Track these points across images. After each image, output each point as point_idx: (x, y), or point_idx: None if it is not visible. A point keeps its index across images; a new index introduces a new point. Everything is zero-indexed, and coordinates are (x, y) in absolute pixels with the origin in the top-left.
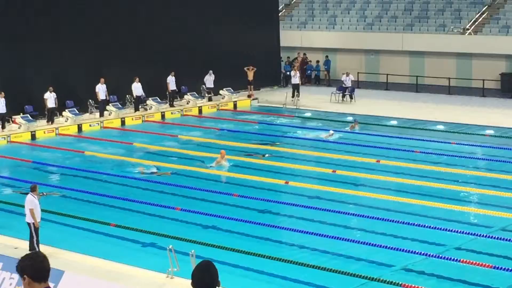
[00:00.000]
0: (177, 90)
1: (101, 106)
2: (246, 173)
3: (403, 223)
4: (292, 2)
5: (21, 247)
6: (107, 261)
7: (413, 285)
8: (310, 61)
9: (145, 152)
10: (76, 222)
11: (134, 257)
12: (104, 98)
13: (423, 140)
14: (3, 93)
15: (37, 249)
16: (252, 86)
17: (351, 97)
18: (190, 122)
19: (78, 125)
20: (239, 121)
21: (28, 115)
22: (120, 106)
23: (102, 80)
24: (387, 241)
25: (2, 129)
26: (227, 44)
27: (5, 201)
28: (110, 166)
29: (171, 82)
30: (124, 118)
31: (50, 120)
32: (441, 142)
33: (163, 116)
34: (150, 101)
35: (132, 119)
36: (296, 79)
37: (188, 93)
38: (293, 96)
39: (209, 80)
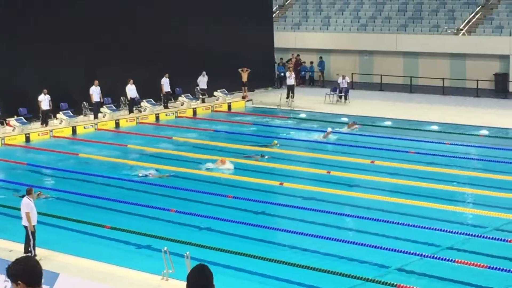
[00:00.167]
0: (171, 92)
1: (95, 108)
2: (241, 174)
3: (398, 223)
4: (286, 3)
5: (16, 250)
6: (102, 263)
7: (407, 286)
8: (304, 62)
9: (140, 154)
10: (70, 224)
11: (129, 259)
12: (98, 100)
13: (417, 140)
14: None
15: (33, 253)
16: (246, 88)
17: (345, 98)
18: (184, 123)
19: (73, 127)
20: (233, 123)
21: (22, 117)
22: (114, 108)
23: (96, 82)
24: (382, 241)
25: None
26: (221, 46)
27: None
28: (104, 168)
29: (165, 83)
30: (118, 120)
31: (45, 122)
32: (435, 142)
33: (157, 118)
34: (144, 103)
35: (127, 121)
36: (291, 80)
37: (182, 95)
38: (287, 97)
39: (203, 81)
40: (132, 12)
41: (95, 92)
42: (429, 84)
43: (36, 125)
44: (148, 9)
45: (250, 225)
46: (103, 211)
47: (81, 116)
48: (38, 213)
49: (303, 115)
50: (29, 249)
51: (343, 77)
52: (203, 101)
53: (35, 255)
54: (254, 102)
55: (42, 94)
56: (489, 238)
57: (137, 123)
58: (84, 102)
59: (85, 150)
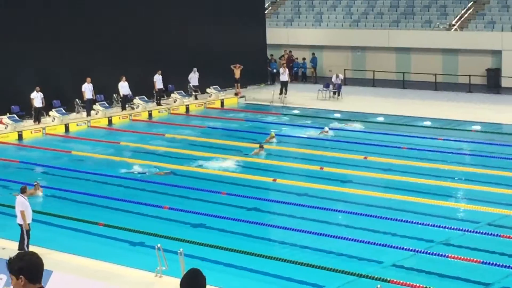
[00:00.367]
0: (164, 89)
1: (88, 106)
2: (234, 171)
3: (391, 219)
4: (278, 0)
5: (9, 248)
6: (96, 261)
7: (401, 281)
8: (297, 58)
9: (133, 151)
10: (64, 222)
11: (123, 256)
12: (91, 97)
13: (410, 136)
14: None
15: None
16: (239, 84)
17: (338, 94)
18: (177, 120)
19: (65, 124)
20: (226, 119)
21: (15, 115)
22: (107, 105)
23: (89, 79)
24: (375, 237)
25: None
26: (214, 43)
27: None
28: (97, 165)
29: (158, 80)
30: (111, 117)
31: (37, 120)
32: (428, 138)
33: (150, 115)
34: (137, 100)
35: (119, 118)
36: (284, 76)
37: (175, 92)
38: (280, 93)
39: (194, 78)
40: (124, 9)
41: (87, 89)
42: (421, 79)
43: (29, 123)
44: (140, 7)
45: (243, 221)
46: (97, 209)
47: (74, 114)
48: (32, 211)
49: (296, 111)
50: (23, 247)
51: (337, 76)
52: (195, 98)
53: None
54: (247, 99)
55: (35, 92)
56: (482, 233)
57: (130, 120)
58: (77, 100)
59: (78, 148)
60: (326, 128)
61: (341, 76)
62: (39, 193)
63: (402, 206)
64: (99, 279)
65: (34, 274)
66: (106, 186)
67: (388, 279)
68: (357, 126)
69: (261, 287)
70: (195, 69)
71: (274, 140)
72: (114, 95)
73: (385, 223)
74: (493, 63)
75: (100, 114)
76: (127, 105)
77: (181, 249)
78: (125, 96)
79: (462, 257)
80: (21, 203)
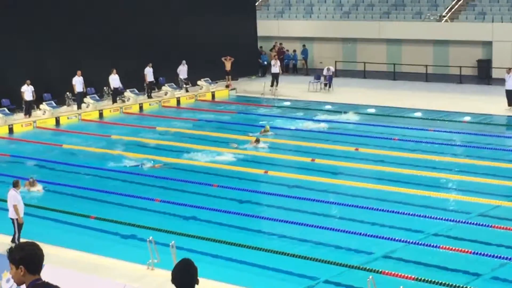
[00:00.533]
0: (154, 81)
1: (78, 99)
2: (225, 163)
3: (382, 210)
4: None
5: (0, 241)
6: (87, 254)
7: (393, 272)
8: (287, 50)
9: (124, 144)
10: (55, 215)
11: (114, 249)
12: (81, 90)
13: (401, 127)
14: None
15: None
16: (229, 76)
17: (329, 86)
18: (168, 113)
19: (56, 118)
20: (217, 112)
21: (5, 108)
22: (97, 98)
23: (79, 72)
24: (367, 228)
25: None
26: (204, 35)
27: None
28: (88, 158)
29: (148, 73)
30: (102, 110)
31: (28, 113)
32: (419, 129)
33: (141, 108)
34: (128, 93)
35: (110, 111)
36: (276, 68)
37: (166, 84)
38: (271, 86)
39: (183, 70)
40: (115, 2)
41: (78, 83)
42: (412, 71)
43: (19, 116)
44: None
45: (235, 213)
46: (88, 202)
47: (65, 107)
48: (24, 204)
49: (287, 103)
50: (15, 241)
51: (328, 69)
52: (186, 91)
53: None
54: (238, 91)
55: (25, 85)
56: (473, 224)
57: (120, 113)
58: (68, 93)
59: (69, 141)
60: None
61: (332, 69)
62: (35, 188)
63: (393, 197)
64: (90, 271)
65: (35, 264)
66: (97, 179)
67: (380, 270)
68: (350, 117)
69: (253, 279)
70: (183, 61)
71: (270, 133)
72: (105, 88)
73: (376, 214)
74: (484, 54)
75: (91, 107)
76: (118, 98)
77: (172, 242)
78: (116, 89)
79: (453, 248)
80: (13, 197)
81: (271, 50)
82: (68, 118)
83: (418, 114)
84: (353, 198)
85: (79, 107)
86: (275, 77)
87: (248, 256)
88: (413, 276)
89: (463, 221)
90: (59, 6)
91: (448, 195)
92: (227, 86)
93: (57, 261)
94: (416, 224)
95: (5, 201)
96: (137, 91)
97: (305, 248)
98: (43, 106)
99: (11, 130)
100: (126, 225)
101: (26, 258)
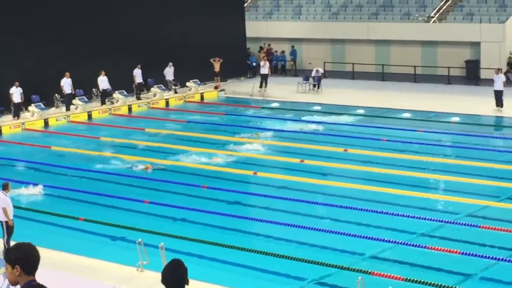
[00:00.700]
0: (143, 83)
1: (67, 100)
2: (215, 164)
3: (371, 211)
4: None
5: None
6: (76, 256)
7: (382, 273)
8: (276, 51)
9: (113, 146)
10: (44, 217)
11: (104, 251)
12: (70, 92)
13: (389, 128)
14: None
15: (7, 247)
16: (218, 78)
17: (318, 87)
18: (157, 114)
19: (45, 119)
20: (206, 113)
21: None
22: (86, 100)
23: (67, 74)
24: (356, 229)
25: None
26: (193, 36)
27: None
28: (77, 160)
29: (137, 74)
30: (90, 111)
31: (16, 115)
32: (408, 130)
33: (130, 109)
34: (116, 94)
35: (99, 113)
36: (265, 69)
37: (155, 86)
38: (260, 87)
39: (169, 72)
40: (103, 4)
41: (66, 84)
42: (401, 72)
43: (8, 118)
44: (119, 0)
45: (225, 215)
46: (77, 204)
47: (53, 109)
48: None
49: (275, 105)
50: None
51: (317, 71)
52: (175, 92)
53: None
54: (227, 92)
55: (14, 87)
56: (462, 224)
57: (109, 114)
58: (56, 95)
59: (58, 143)
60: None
61: (321, 70)
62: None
63: (382, 198)
64: (79, 274)
65: (30, 265)
66: (86, 181)
67: (369, 270)
68: (338, 118)
69: (243, 280)
70: (170, 63)
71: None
72: (94, 89)
73: (365, 215)
74: (472, 55)
75: (79, 109)
76: (106, 100)
77: (162, 243)
78: (104, 90)
79: (442, 248)
80: (2, 200)
81: (259, 51)
82: (56, 120)
83: (407, 115)
84: (342, 199)
85: (67, 109)
86: (264, 78)
87: (238, 257)
88: (402, 277)
89: (452, 221)
90: (47, 8)
91: (436, 196)
92: (216, 88)
93: (46, 263)
94: (405, 225)
95: None
96: (126, 93)
97: (293, 249)
98: (32, 108)
99: None
100: (115, 227)
101: (22, 259)
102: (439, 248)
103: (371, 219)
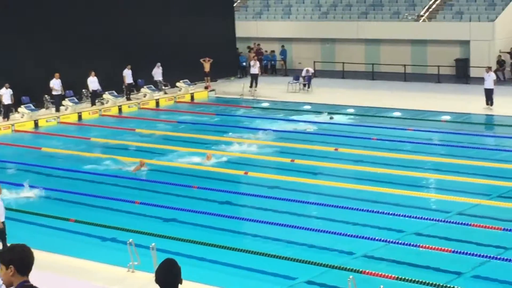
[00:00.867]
0: (133, 83)
1: (56, 101)
2: (205, 164)
3: (362, 210)
4: None
5: None
6: (67, 257)
7: (373, 272)
8: (266, 51)
9: (103, 146)
10: (35, 218)
11: (95, 252)
12: (59, 93)
13: (380, 127)
14: None
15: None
16: (208, 78)
17: (308, 86)
18: (147, 115)
19: (35, 121)
20: (196, 113)
21: None
22: (76, 100)
23: (57, 75)
24: (347, 228)
25: None
26: (183, 36)
27: None
28: (67, 161)
29: (127, 75)
30: (81, 112)
31: (6, 116)
32: (398, 129)
33: (120, 110)
34: (106, 95)
35: (89, 114)
36: (255, 69)
37: (145, 86)
38: (250, 86)
39: (158, 73)
40: (92, 3)
41: (55, 85)
42: (390, 70)
43: None
44: (107, 1)
45: (216, 215)
46: (67, 205)
47: (43, 110)
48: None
49: (266, 104)
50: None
51: (307, 71)
52: (164, 93)
53: None
54: (217, 92)
55: (4, 88)
56: (452, 222)
57: (99, 115)
58: (46, 96)
59: (48, 144)
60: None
61: (311, 70)
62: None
63: (373, 197)
64: (70, 275)
65: (24, 265)
66: (77, 182)
67: (360, 269)
68: (328, 117)
69: (233, 280)
70: (158, 64)
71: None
72: (84, 90)
73: (356, 214)
74: (462, 53)
75: (69, 110)
76: (96, 101)
77: (153, 244)
78: (94, 91)
79: (433, 247)
80: None
81: (249, 51)
82: (46, 121)
83: (397, 114)
84: (333, 198)
85: (57, 110)
86: (254, 78)
87: (228, 257)
88: (393, 275)
89: (443, 220)
90: (37, 8)
91: (427, 194)
92: (206, 88)
93: (36, 265)
94: (396, 224)
95: None
96: (116, 93)
97: (285, 249)
98: (22, 109)
99: None
100: (106, 227)
101: (16, 259)
102: (430, 246)
103: (362, 218)
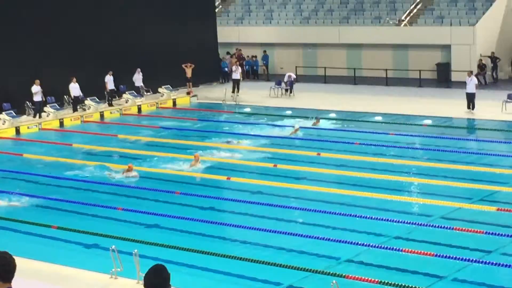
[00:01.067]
0: (115, 89)
1: (37, 108)
2: (188, 170)
3: (345, 215)
4: None
5: None
6: (50, 264)
7: (356, 276)
8: (248, 56)
9: (85, 152)
10: (16, 225)
11: (77, 258)
12: (40, 99)
13: (362, 132)
14: None
15: None
16: (190, 83)
17: (290, 91)
18: (129, 121)
19: (16, 127)
20: (179, 119)
21: None
22: (58, 107)
23: (37, 81)
24: (330, 233)
25: None
26: (165, 42)
27: None
28: (49, 168)
29: (109, 81)
30: (62, 119)
31: None
32: (380, 133)
33: (102, 116)
34: (88, 101)
35: (71, 120)
36: (237, 74)
37: (127, 92)
38: (233, 92)
39: (138, 78)
40: (72, 10)
41: (37, 92)
42: (372, 75)
43: None
44: (88, 7)
45: (198, 221)
46: (49, 211)
47: (25, 116)
48: None
49: (248, 109)
50: None
51: (289, 76)
52: (142, 96)
53: None
54: (199, 98)
55: None
56: (435, 226)
57: (81, 121)
58: (27, 102)
59: (30, 150)
60: (297, 126)
61: (294, 75)
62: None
63: (355, 201)
64: (53, 282)
65: (6, 273)
66: (59, 189)
67: (343, 274)
68: (310, 122)
69: (216, 286)
70: (138, 69)
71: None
72: (65, 96)
73: (339, 219)
74: (443, 58)
75: (51, 116)
76: (78, 107)
77: (135, 250)
78: (76, 97)
79: (416, 251)
80: None
81: (231, 56)
82: (28, 127)
83: (379, 118)
84: (316, 202)
85: (34, 116)
86: (236, 83)
87: (211, 263)
88: (376, 280)
89: (425, 223)
90: (17, 14)
91: (409, 198)
92: (188, 93)
93: (19, 272)
94: (378, 228)
95: None
96: (97, 99)
97: (268, 254)
98: (3, 115)
99: None
100: (89, 234)
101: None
102: (413, 250)
103: (345, 223)
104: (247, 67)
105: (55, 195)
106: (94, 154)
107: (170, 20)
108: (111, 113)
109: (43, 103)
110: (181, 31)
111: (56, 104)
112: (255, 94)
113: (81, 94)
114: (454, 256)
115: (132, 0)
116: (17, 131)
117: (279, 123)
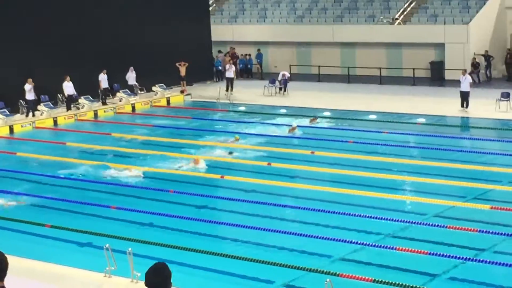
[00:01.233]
0: (109, 88)
1: (30, 106)
2: (181, 169)
3: (339, 213)
4: None
5: None
6: (44, 263)
7: (350, 274)
8: (242, 54)
9: (79, 151)
10: (10, 224)
11: (71, 257)
12: (33, 98)
13: (356, 130)
14: None
15: None
16: (184, 82)
17: (284, 90)
18: (123, 119)
19: (10, 126)
20: (173, 117)
21: None
22: (51, 105)
23: (30, 80)
24: (324, 231)
25: None
26: (159, 40)
27: None
28: (43, 166)
29: (103, 80)
30: (56, 117)
31: None
32: (374, 131)
33: (96, 115)
34: (82, 100)
35: (65, 119)
36: (230, 73)
37: (121, 91)
38: (226, 90)
39: (131, 77)
40: (66, 8)
41: (29, 90)
42: (366, 74)
43: None
44: (82, 5)
45: (192, 219)
46: (43, 210)
47: (18, 115)
48: None
49: (242, 108)
50: None
51: (283, 75)
52: (135, 94)
53: None
54: (193, 96)
55: None
56: (429, 224)
57: (75, 120)
58: (21, 101)
59: (23, 149)
60: (295, 124)
61: (288, 74)
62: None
63: (349, 200)
64: (47, 281)
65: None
66: (53, 187)
67: (337, 272)
68: (304, 120)
69: (211, 284)
70: (131, 68)
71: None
72: (59, 95)
73: (333, 217)
74: (437, 56)
75: (45, 115)
76: (72, 105)
77: (129, 249)
78: (70, 96)
79: (410, 249)
80: None
81: (225, 54)
82: (22, 126)
83: (373, 117)
84: (310, 201)
85: (27, 115)
86: (230, 81)
87: (205, 261)
88: (370, 278)
89: (419, 222)
90: (10, 13)
91: (403, 197)
92: (182, 92)
93: (12, 271)
94: (372, 226)
95: None
96: (91, 98)
97: (262, 252)
98: None
99: None
100: (83, 233)
101: None
102: (407, 249)
103: (339, 221)
104: (241, 65)
105: (48, 194)
106: (88, 153)
107: (164, 19)
108: (105, 111)
109: (37, 102)
110: (175, 30)
111: (50, 102)
112: (249, 93)
113: (75, 93)
114: (448, 254)
115: (125, 0)
116: (11, 129)
117: (274, 121)
